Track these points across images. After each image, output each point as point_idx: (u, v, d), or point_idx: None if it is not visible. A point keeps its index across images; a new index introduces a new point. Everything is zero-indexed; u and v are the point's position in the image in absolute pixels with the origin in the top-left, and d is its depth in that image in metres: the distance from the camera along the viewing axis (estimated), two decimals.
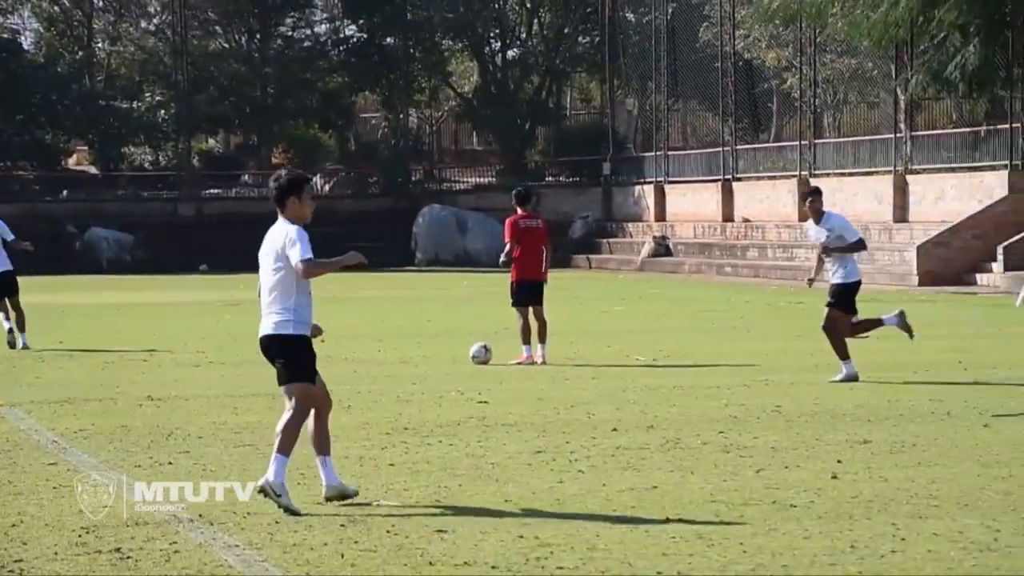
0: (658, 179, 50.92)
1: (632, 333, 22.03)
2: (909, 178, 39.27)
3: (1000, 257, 33.04)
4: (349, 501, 8.84)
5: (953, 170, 38.32)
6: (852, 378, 15.00)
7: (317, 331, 9.06)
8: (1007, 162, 36.12)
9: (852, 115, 51.08)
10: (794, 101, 48.14)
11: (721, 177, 47.27)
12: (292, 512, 8.52)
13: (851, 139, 44.86)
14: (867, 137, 43.97)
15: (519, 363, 17.26)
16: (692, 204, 49.03)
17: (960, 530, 7.95)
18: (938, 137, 40.05)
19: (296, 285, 8.91)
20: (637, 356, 18.05)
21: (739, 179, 46.93)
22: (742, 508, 8.60)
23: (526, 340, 17.48)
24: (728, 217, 46.22)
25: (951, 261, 34.57)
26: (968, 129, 39.17)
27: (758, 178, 46.49)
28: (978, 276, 33.82)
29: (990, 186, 35.93)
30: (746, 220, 45.36)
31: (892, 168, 39.82)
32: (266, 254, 9.01)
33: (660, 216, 50.27)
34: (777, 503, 8.74)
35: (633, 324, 24.10)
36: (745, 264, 42.45)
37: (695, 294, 33.15)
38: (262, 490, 8.61)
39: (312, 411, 8.90)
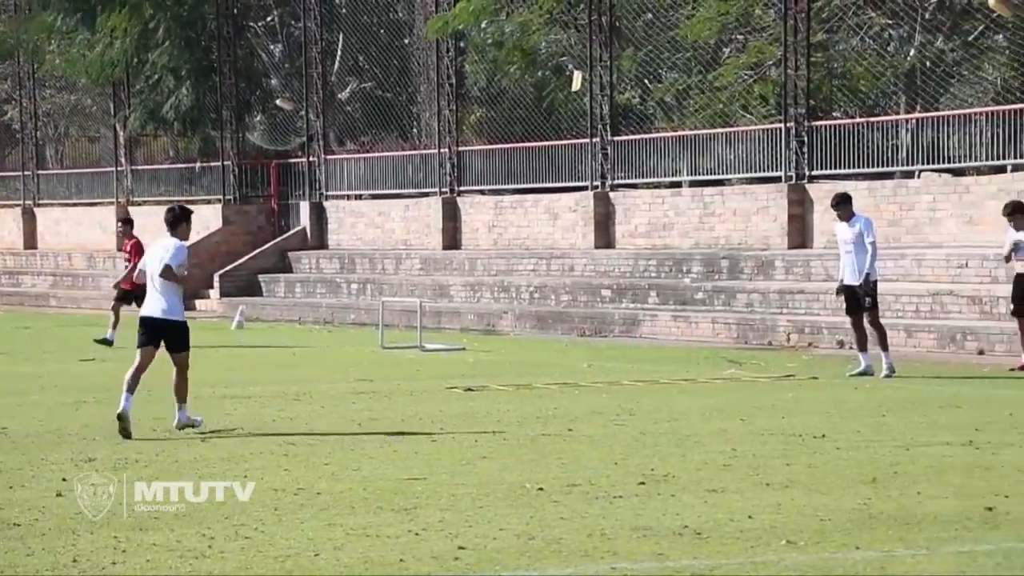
0: None
1: None
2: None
3: (216, 284, 34.86)
4: None
5: (171, 202, 39.61)
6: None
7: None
8: (220, 196, 38.11)
9: (74, 148, 51.25)
10: (15, 133, 47.90)
11: None
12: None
13: (74, 171, 45.34)
14: (90, 169, 44.55)
15: None
16: None
17: (179, 539, 8.26)
18: (157, 171, 41.66)
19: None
20: None
21: None
22: None
23: None
24: None
25: None
26: (184, 165, 40.94)
27: None
28: (198, 302, 35.20)
29: (207, 218, 37.45)
30: None
31: (115, 199, 40.90)
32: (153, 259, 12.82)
33: None
34: (1, 522, 8.80)
35: None
36: None
37: None
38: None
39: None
